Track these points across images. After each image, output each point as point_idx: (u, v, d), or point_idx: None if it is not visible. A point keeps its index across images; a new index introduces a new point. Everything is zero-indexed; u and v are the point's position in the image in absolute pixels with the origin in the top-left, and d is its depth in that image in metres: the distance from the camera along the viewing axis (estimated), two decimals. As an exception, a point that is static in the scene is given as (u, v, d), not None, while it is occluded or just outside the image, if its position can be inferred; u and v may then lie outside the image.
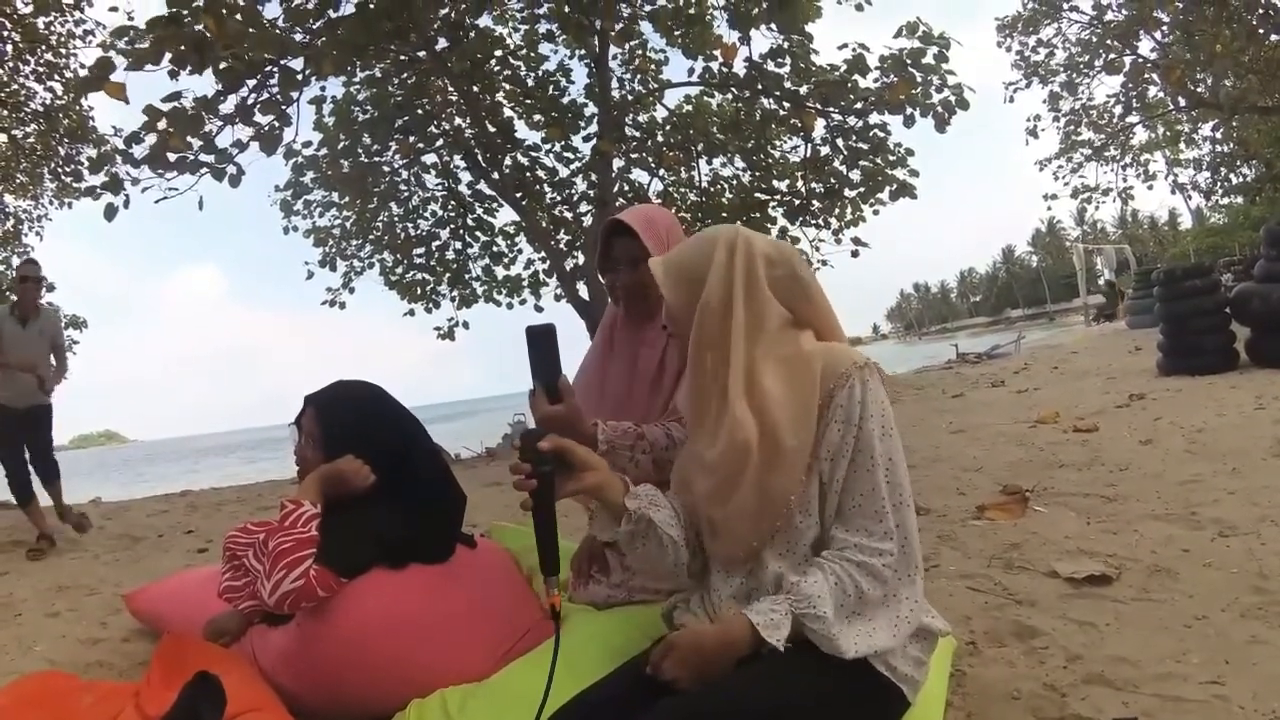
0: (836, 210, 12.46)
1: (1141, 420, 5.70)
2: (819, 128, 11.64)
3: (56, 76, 14.62)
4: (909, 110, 10.53)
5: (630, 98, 12.99)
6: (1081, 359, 12.65)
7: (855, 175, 11.83)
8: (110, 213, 8.93)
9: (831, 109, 11.32)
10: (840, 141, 11.75)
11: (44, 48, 14.20)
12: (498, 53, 12.19)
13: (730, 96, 12.74)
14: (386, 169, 13.09)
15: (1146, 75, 20.75)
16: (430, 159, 13.52)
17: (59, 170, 16.57)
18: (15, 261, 16.73)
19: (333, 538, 2.24)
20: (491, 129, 12.00)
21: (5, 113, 15.00)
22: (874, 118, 11.32)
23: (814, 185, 12.14)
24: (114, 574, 4.92)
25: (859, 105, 11.05)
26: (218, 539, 5.64)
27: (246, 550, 2.39)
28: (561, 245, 13.07)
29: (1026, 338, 23.74)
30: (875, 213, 12.39)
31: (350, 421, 2.46)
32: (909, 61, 10.45)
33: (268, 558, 2.18)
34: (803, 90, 11.30)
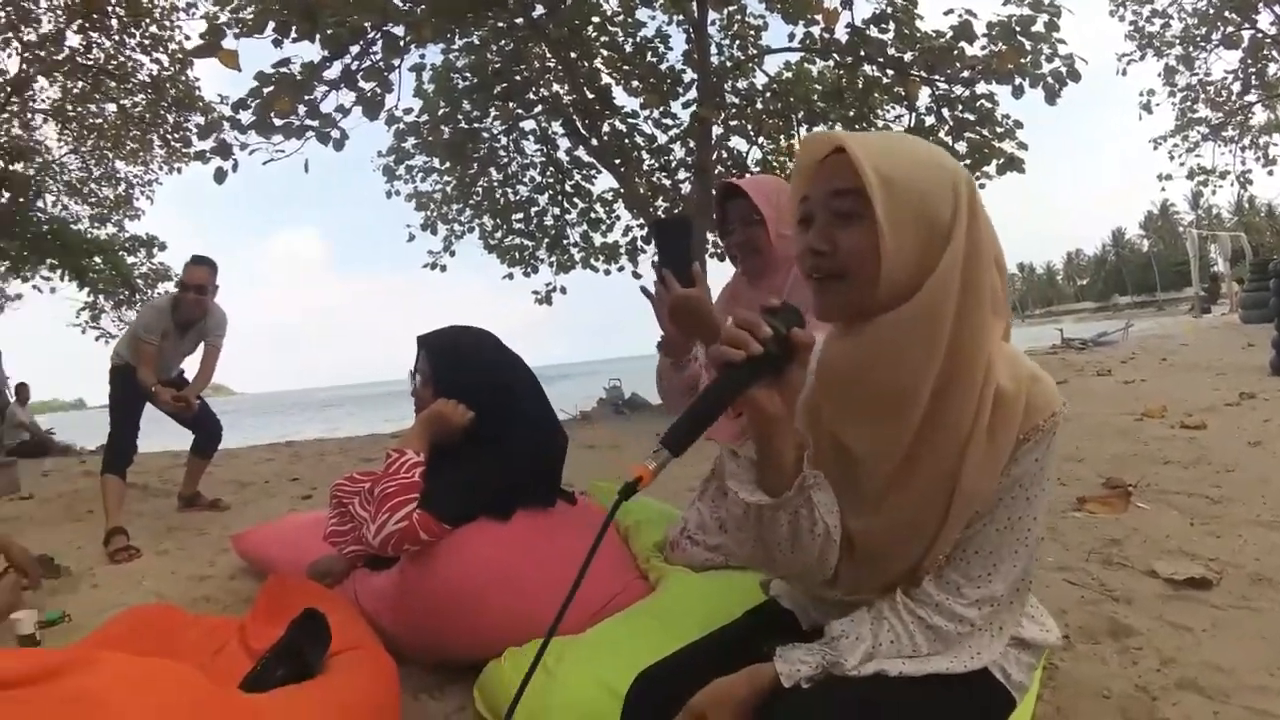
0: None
1: (1251, 420, 5.43)
2: (923, 97, 11.37)
3: (161, 48, 15.30)
4: (1018, 80, 10.17)
5: (729, 64, 12.84)
6: (1191, 352, 12.06)
7: (961, 147, 11.44)
8: (220, 176, 9.34)
9: (937, 77, 10.99)
10: (945, 112, 11.41)
11: (148, 21, 14.86)
12: (595, 19, 12.18)
13: (831, 63, 12.45)
14: (486, 135, 13.35)
15: (1266, 51, 19.56)
16: (529, 125, 13.74)
17: (168, 137, 17.41)
18: (129, 226, 17.75)
19: (438, 484, 2.30)
20: (590, 95, 12.04)
21: (114, 83, 15.82)
22: (981, 87, 10.97)
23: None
24: (222, 516, 5.17)
25: (965, 74, 10.71)
26: (321, 487, 5.91)
27: (353, 498, 2.48)
28: (660, 212, 13.03)
29: (1134, 326, 22.74)
30: (981, 186, 11.93)
31: (459, 362, 2.54)
32: (1018, 29, 10.08)
33: (373, 502, 2.26)
34: (907, 57, 10.98)
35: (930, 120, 11.60)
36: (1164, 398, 6.61)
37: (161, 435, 5.94)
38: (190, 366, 5.13)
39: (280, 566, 2.93)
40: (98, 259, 16.29)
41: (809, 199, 1.17)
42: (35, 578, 3.17)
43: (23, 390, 13.23)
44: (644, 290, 2.00)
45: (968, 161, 11.46)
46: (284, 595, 2.40)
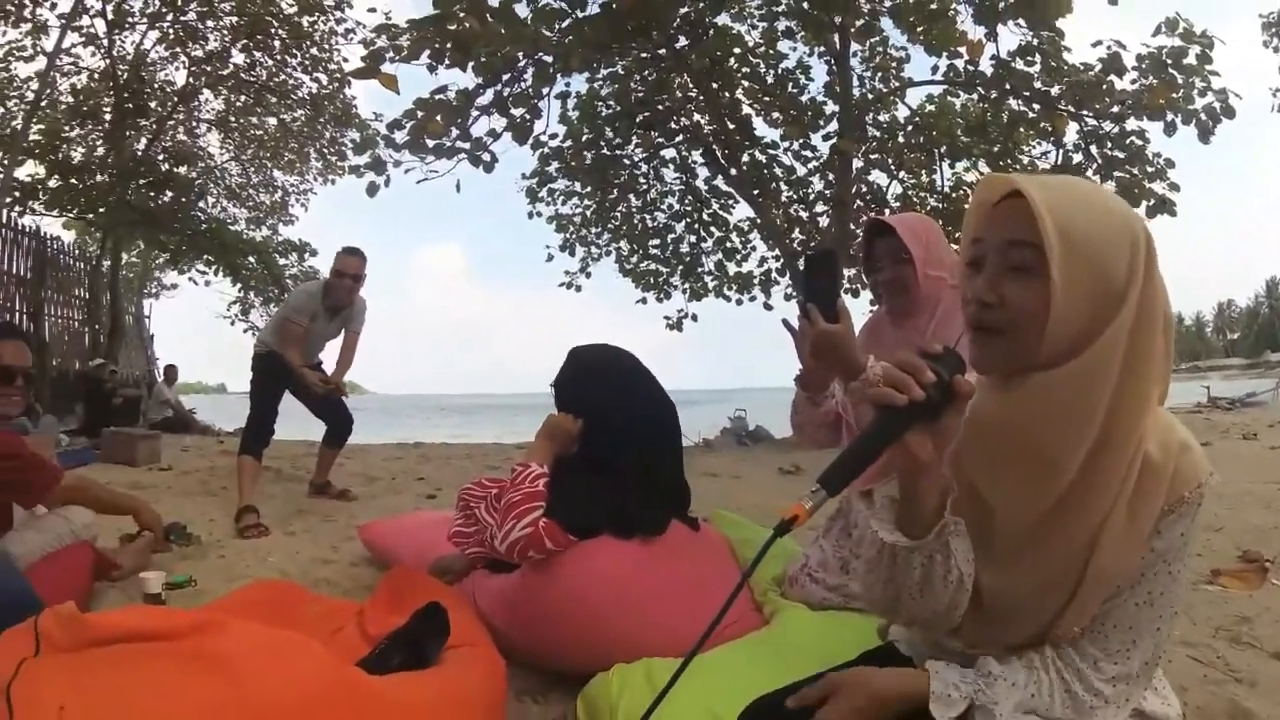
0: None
1: (1404, 501, 5.00)
2: (1071, 132, 10.98)
3: (321, 69, 16.23)
4: (1169, 116, 9.73)
5: (870, 96, 12.72)
6: (1350, 418, 11.22)
7: (1110, 187, 10.92)
8: (372, 190, 9.88)
9: (1085, 112, 10.62)
10: (1094, 149, 10.99)
11: (308, 43, 15.79)
12: (737, 50, 12.29)
13: (975, 96, 12.16)
14: (627, 162, 13.68)
15: None
16: (669, 153, 13.95)
17: (324, 151, 18.48)
18: (283, 230, 18.85)
19: (564, 496, 2.34)
20: (730, 125, 12.16)
21: (275, 99, 16.87)
22: (1131, 123, 10.52)
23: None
24: (349, 506, 5.34)
25: (1115, 109, 10.30)
26: (446, 487, 6.04)
27: (479, 502, 2.55)
28: (795, 244, 13.04)
29: (1287, 387, 21.36)
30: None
31: (583, 375, 2.62)
32: (1169, 61, 9.66)
33: (500, 511, 2.32)
34: (1054, 91, 10.65)
35: (1078, 158, 11.19)
36: (1314, 467, 6.15)
37: (298, 424, 6.18)
38: (328, 356, 5.36)
39: (403, 559, 3.03)
40: (252, 258, 17.33)
41: (982, 241, 1.13)
42: (161, 540, 3.34)
43: (171, 371, 14.17)
44: (786, 324, 2.02)
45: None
46: (404, 586, 2.47)
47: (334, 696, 1.57)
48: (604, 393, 2.59)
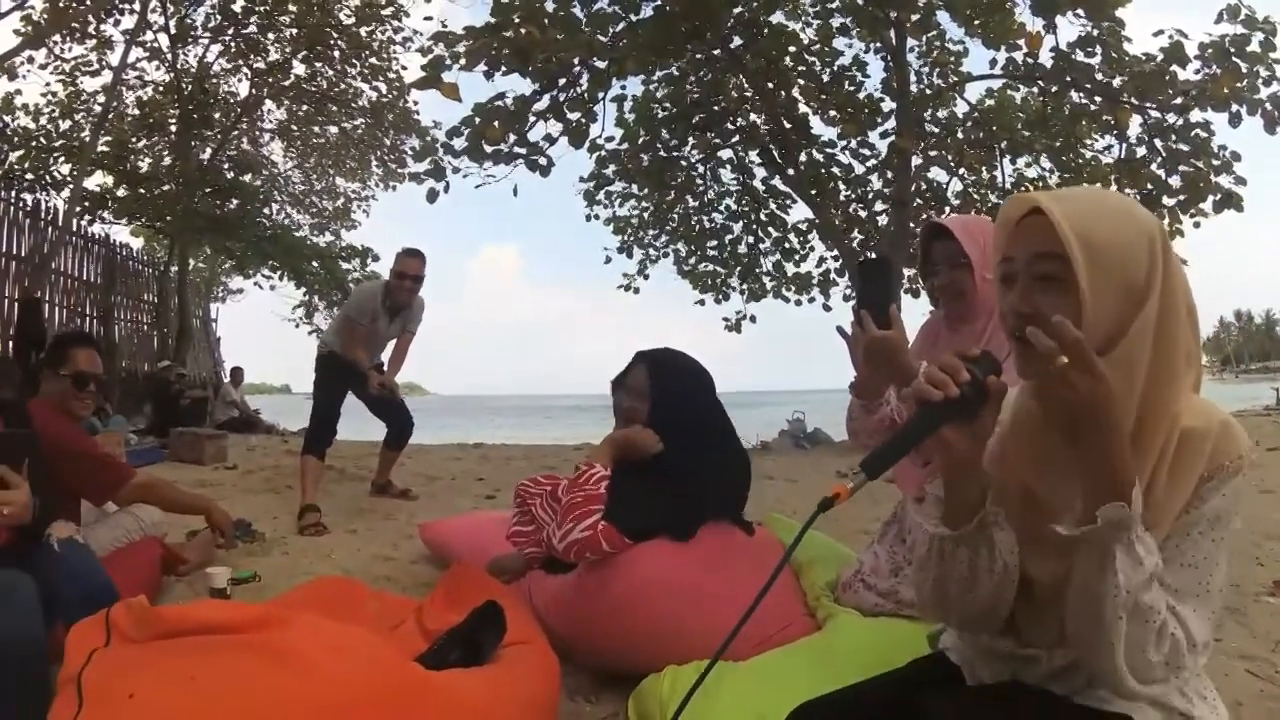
0: (1152, 221, 11.31)
1: None
2: (1134, 125, 10.65)
3: (380, 78, 16.56)
4: (1234, 107, 9.41)
5: (929, 92, 12.52)
6: None
7: (1175, 181, 10.67)
8: (432, 196, 10.06)
9: (1148, 104, 10.30)
10: (1158, 142, 10.67)
11: (367, 53, 16.11)
12: (792, 49, 12.13)
13: (1036, 90, 11.88)
14: (684, 163, 13.66)
15: None
16: (726, 154, 13.87)
17: (384, 158, 18.97)
18: (345, 235, 19.30)
19: (623, 500, 2.36)
20: (786, 125, 12.05)
21: (335, 108, 17.32)
22: (1195, 115, 10.18)
23: (1129, 191, 10.93)
24: (409, 505, 5.42)
25: (1179, 100, 9.99)
26: (505, 488, 6.09)
27: (535, 500, 2.57)
28: (854, 244, 12.93)
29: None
30: (1196, 225, 11.12)
31: (679, 392, 2.62)
32: (1232, 50, 9.32)
33: (560, 511, 2.35)
34: (1115, 83, 10.34)
35: (1142, 151, 10.90)
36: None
37: (360, 425, 6.29)
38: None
39: (461, 558, 3.07)
40: (315, 263, 17.65)
41: (1012, 259, 1.20)
42: (230, 539, 3.42)
43: (237, 373, 14.52)
44: (840, 330, 2.00)
45: (1181, 197, 10.69)
46: (463, 584, 2.52)
47: (395, 691, 1.61)
48: (695, 412, 2.63)
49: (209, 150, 16.66)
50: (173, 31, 14.68)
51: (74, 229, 12.84)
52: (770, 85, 11.80)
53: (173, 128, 15.87)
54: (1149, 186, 10.80)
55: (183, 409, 10.52)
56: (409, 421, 5.54)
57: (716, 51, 11.11)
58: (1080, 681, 1.22)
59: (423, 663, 1.86)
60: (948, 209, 12.88)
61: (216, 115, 16.25)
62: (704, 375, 2.71)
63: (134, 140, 15.96)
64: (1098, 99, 10.77)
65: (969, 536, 1.20)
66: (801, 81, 12.57)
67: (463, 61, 9.20)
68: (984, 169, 12.99)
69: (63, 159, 13.70)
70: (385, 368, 5.37)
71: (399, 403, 5.44)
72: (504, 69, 9.34)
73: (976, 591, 1.23)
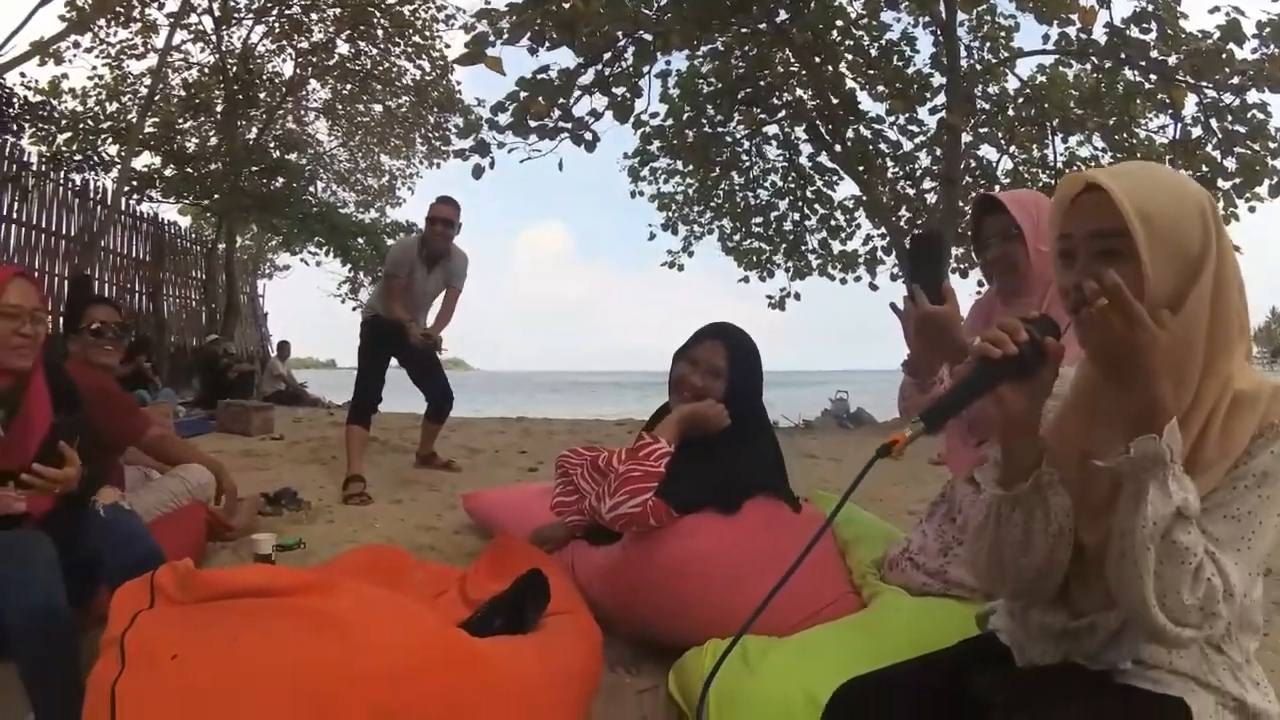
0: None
1: None
2: (1189, 104, 10.41)
3: (424, 56, 16.62)
4: (1293, 88, 9.11)
5: (979, 68, 12.28)
6: None
7: (1230, 163, 10.41)
8: (478, 172, 10.09)
9: (1204, 83, 10.07)
10: (1214, 122, 10.42)
11: (411, 31, 16.16)
12: (839, 23, 12.00)
13: (1089, 67, 11.62)
14: (729, 139, 13.58)
15: None
16: (772, 130, 13.76)
17: (429, 136, 19.06)
18: (390, 212, 19.66)
19: (677, 476, 2.33)
20: (834, 100, 11.93)
21: (380, 87, 17.42)
22: (1252, 95, 9.94)
23: (1184, 172, 10.72)
24: (453, 477, 5.44)
25: (1235, 80, 9.74)
26: (548, 461, 6.09)
27: (577, 469, 2.55)
28: (902, 222, 12.78)
29: None
30: (1251, 209, 10.86)
31: (751, 360, 2.61)
32: (1291, 29, 9.00)
33: (615, 479, 2.31)
34: (1171, 61, 10.12)
35: (1197, 132, 10.64)
36: None
37: (405, 397, 6.33)
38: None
39: (505, 528, 3.06)
40: (361, 239, 17.79)
41: (1070, 235, 1.23)
42: (233, 507, 3.45)
43: (284, 347, 14.72)
44: (893, 306, 1.98)
45: (1237, 180, 10.43)
46: (507, 554, 2.52)
47: (439, 657, 1.60)
48: (761, 386, 2.64)
49: (255, 130, 16.93)
50: (216, 14, 14.86)
51: (123, 208, 13.11)
52: (817, 60, 11.66)
53: (218, 108, 16.11)
54: (1204, 168, 10.53)
55: (230, 382, 10.63)
56: (448, 393, 5.53)
57: (762, 25, 11.00)
58: (1133, 647, 1.22)
59: (466, 629, 1.85)
60: (997, 187, 12.64)
61: (262, 95, 16.48)
62: (760, 355, 2.70)
63: (180, 121, 16.22)
64: (1152, 77, 10.55)
65: (1024, 497, 1.23)
66: (849, 56, 12.44)
67: (506, 35, 9.18)
68: (1035, 147, 12.75)
69: (110, 140, 13.90)
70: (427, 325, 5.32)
71: (440, 376, 5.44)
72: (549, 44, 9.31)
73: (1031, 555, 1.25)
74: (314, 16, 15.85)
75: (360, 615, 1.62)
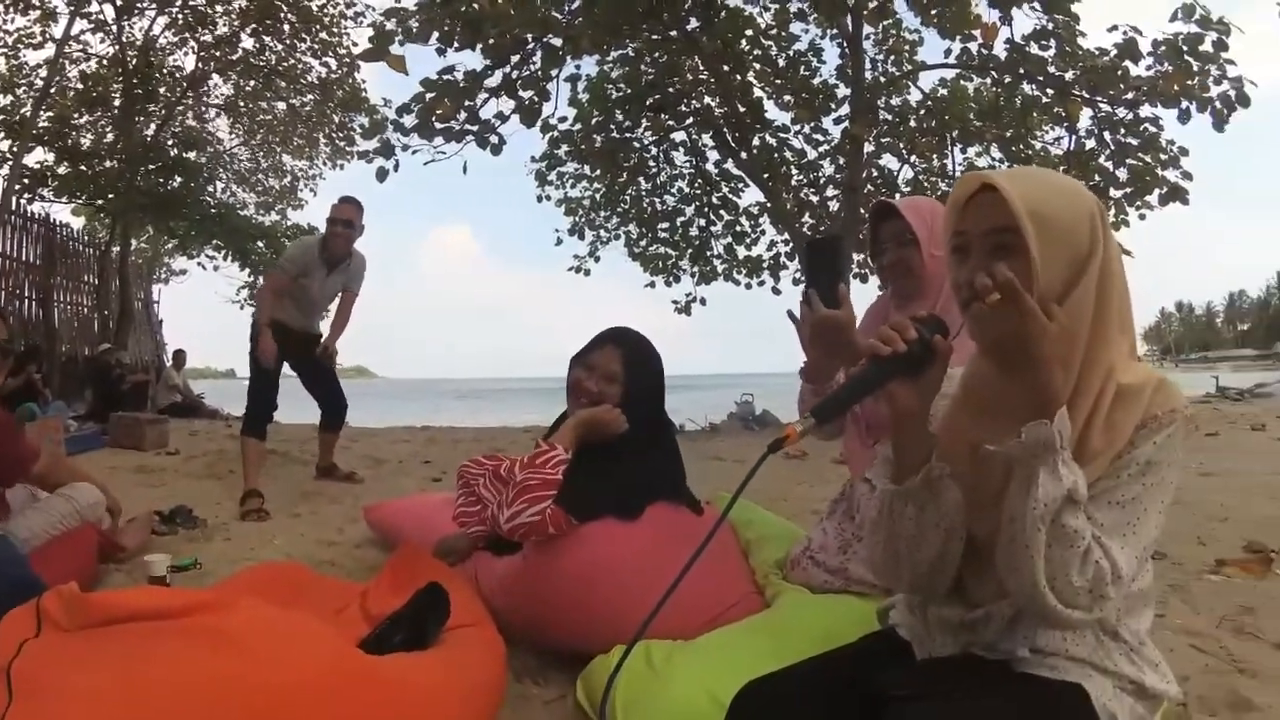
0: (1099, 211, 11.54)
1: None
2: (1084, 118, 10.88)
3: (330, 53, 16.26)
4: (1184, 104, 9.65)
5: (883, 80, 12.65)
6: (1356, 410, 11.19)
7: (1122, 174, 10.92)
8: (382, 174, 9.91)
9: (1099, 98, 10.52)
10: (1107, 135, 10.92)
11: (318, 27, 15.80)
12: (749, 32, 12.21)
13: (989, 80, 12.03)
14: (637, 145, 13.66)
15: None
16: (679, 137, 13.91)
17: (333, 136, 18.63)
18: (292, 215, 19.18)
19: (575, 483, 2.32)
20: (741, 109, 12.11)
21: (284, 83, 16.93)
22: (1145, 110, 10.44)
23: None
24: (354, 489, 5.35)
25: (1129, 95, 10.22)
26: (452, 470, 6.01)
27: (479, 479, 2.53)
28: (805, 229, 13.03)
29: (1296, 378, 21.26)
30: (1141, 217, 11.41)
31: (651, 371, 2.59)
32: (1185, 48, 9.53)
33: (513, 488, 2.29)
34: (1068, 76, 10.55)
35: (1091, 144, 11.14)
36: (1320, 459, 6.12)
37: (305, 407, 6.21)
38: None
39: (407, 540, 3.00)
40: (260, 243, 17.31)
41: (965, 232, 1.27)
42: (116, 525, 3.35)
43: (179, 356, 14.16)
44: (789, 314, 1.99)
45: (1128, 189, 10.94)
46: (409, 567, 2.48)
47: (336, 675, 1.58)
48: (661, 388, 2.62)
49: (153, 126, 16.25)
50: (118, 3, 14.26)
51: (13, 208, 12.46)
52: (726, 69, 11.83)
53: (116, 103, 15.42)
54: (1097, 178, 11.00)
55: (123, 393, 10.25)
56: (342, 400, 5.43)
57: (673, 33, 11.09)
58: (1029, 635, 1.26)
59: (365, 647, 1.83)
60: (899, 195, 12.98)
61: (161, 90, 15.88)
62: (660, 359, 2.69)
63: (76, 116, 15.48)
64: (1050, 91, 10.97)
65: (916, 492, 1.26)
66: (757, 66, 12.67)
67: (414, 33, 9.06)
68: (935, 157, 13.17)
69: (2, 135, 13.31)
70: (323, 331, 5.21)
71: (333, 383, 5.33)
72: (456, 44, 9.21)
73: (924, 549, 1.28)
74: (219, 8, 15.33)
75: (255, 634, 1.58)
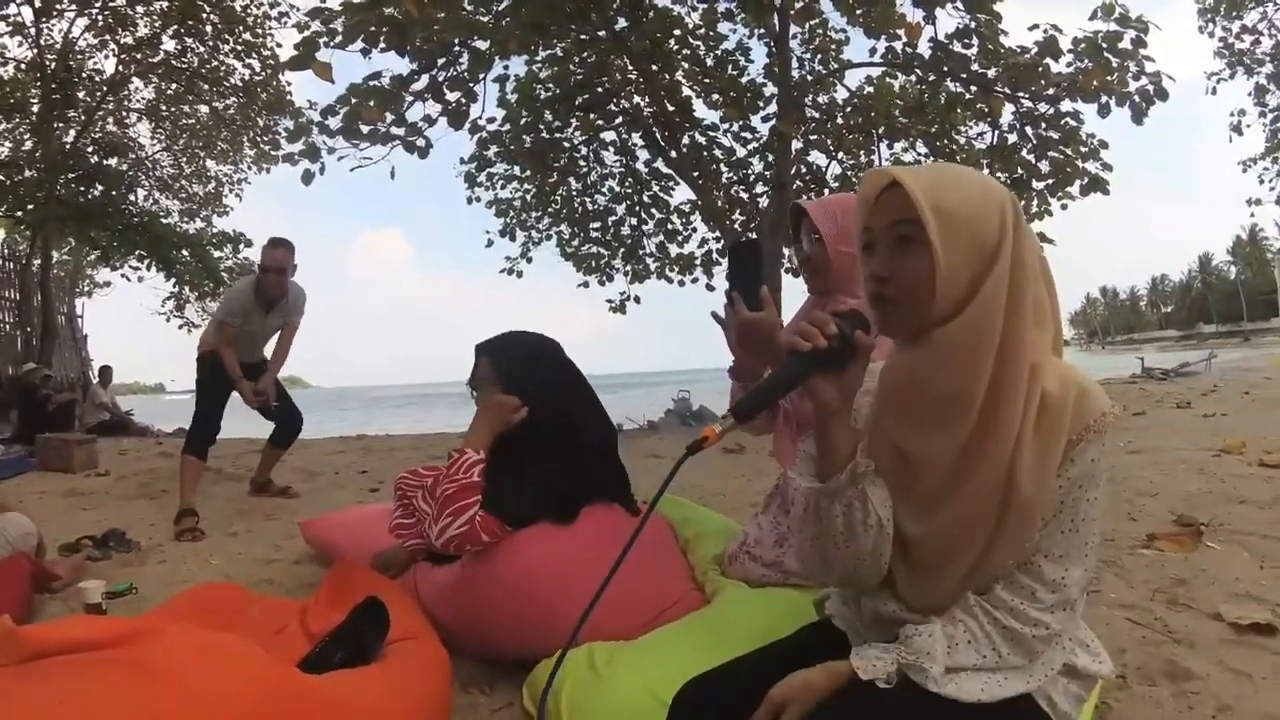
0: (1022, 203, 11.82)
1: (1336, 463, 5.19)
2: (1007, 114, 11.14)
3: (254, 55, 15.90)
4: (1104, 99, 9.92)
5: (810, 78, 12.77)
6: (1276, 386, 11.61)
7: (1044, 166, 11.19)
8: (308, 178, 9.71)
9: (1021, 94, 10.75)
10: (1029, 129, 11.17)
11: (241, 28, 15.45)
12: (677, 32, 12.23)
13: (914, 78, 12.29)
14: (566, 145, 13.57)
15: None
16: (609, 136, 13.85)
17: (257, 139, 18.23)
18: (217, 221, 18.71)
19: (501, 485, 2.33)
20: (670, 108, 12.10)
21: (207, 86, 16.51)
22: (1066, 105, 10.70)
23: (1000, 175, 11.43)
24: (290, 503, 5.30)
25: (1050, 91, 10.47)
26: (389, 480, 5.97)
27: (416, 492, 2.53)
28: (736, 225, 13.10)
29: (1218, 357, 22.22)
30: (1064, 207, 11.66)
31: (522, 360, 2.58)
32: (1104, 45, 9.79)
33: (435, 503, 2.30)
34: (990, 73, 10.77)
35: (1013, 138, 11.38)
36: (1244, 433, 6.36)
37: (239, 423, 6.10)
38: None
39: (345, 554, 3.00)
40: (185, 252, 16.84)
41: (871, 229, 1.27)
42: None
43: (106, 372, 13.77)
44: (714, 315, 2.02)
45: (1050, 181, 11.21)
46: (347, 582, 2.47)
47: (272, 699, 1.57)
48: (550, 373, 2.60)
49: (73, 133, 15.70)
50: (37, 4, 13.81)
51: (-71, 222, 12.01)
52: (654, 68, 11.82)
53: (34, 109, 14.86)
54: (1019, 171, 11.29)
55: (50, 414, 9.91)
56: (297, 416, 5.38)
57: (601, 33, 11.04)
58: None
59: (305, 667, 1.82)
60: (827, 191, 13.17)
61: (81, 95, 15.31)
62: (547, 343, 2.69)
63: (-8, 124, 14.90)
64: (973, 88, 11.17)
65: (841, 489, 1.25)
66: (686, 65, 12.69)
67: (338, 39, 8.94)
68: (862, 153, 13.33)
69: (-86, 144, 12.66)
70: (266, 364, 5.16)
71: (286, 401, 5.28)
72: (381, 46, 9.10)
73: (854, 547, 1.27)
74: (140, 9, 14.91)
75: (189, 660, 1.56)
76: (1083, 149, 10.95)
